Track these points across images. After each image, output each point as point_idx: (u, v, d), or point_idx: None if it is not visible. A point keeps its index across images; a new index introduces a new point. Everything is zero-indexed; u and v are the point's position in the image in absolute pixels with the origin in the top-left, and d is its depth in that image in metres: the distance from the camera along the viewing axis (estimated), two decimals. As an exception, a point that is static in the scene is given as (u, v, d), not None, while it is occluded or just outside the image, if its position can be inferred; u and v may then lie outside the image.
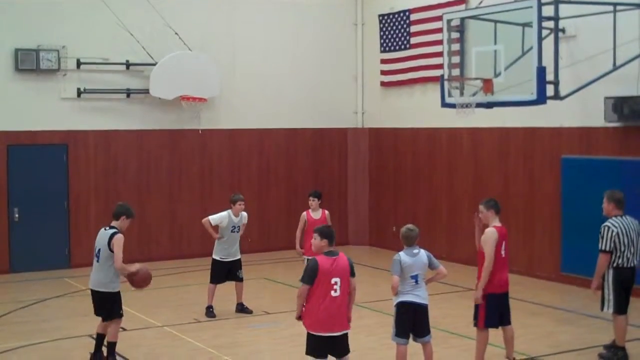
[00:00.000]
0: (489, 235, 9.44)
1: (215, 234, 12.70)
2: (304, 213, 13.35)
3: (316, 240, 8.28)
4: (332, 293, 8.07)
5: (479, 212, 9.72)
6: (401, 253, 9.00)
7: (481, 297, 9.49)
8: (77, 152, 17.07)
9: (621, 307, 10.06)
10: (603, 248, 10.00)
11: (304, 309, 8.25)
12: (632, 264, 10.06)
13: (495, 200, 9.75)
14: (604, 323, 11.45)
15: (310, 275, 8.10)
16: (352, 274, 8.28)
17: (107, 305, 10.06)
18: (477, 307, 9.60)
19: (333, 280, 8.08)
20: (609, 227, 10.00)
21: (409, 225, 9.14)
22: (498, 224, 9.56)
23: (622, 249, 9.96)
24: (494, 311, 9.54)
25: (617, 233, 9.93)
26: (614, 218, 10.09)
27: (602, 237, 10.01)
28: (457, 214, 17.40)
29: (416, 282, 8.94)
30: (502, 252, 9.50)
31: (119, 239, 9.84)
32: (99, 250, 9.98)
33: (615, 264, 9.99)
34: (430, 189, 18.17)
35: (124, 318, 10.30)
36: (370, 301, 13.28)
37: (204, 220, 12.84)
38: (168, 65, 17.22)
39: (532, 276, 15.44)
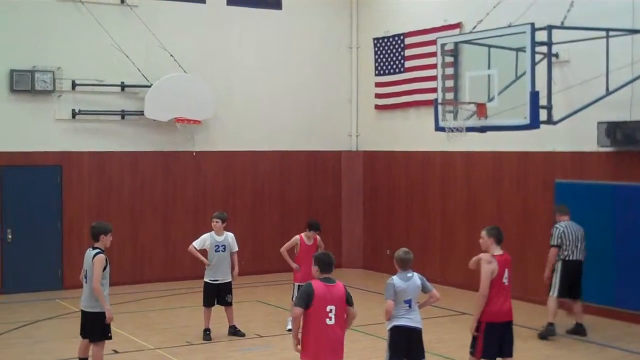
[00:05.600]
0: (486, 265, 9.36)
1: (206, 260, 12.70)
2: (297, 237, 13.24)
3: (314, 268, 8.16)
4: (327, 321, 7.91)
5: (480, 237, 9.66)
6: (395, 277, 8.94)
7: (475, 327, 9.37)
8: (71, 173, 17.05)
9: (562, 293, 12.57)
10: (552, 243, 12.64)
11: (299, 338, 8.06)
12: (576, 257, 12.59)
13: (498, 229, 9.64)
14: (598, 348, 11.44)
15: (305, 299, 7.92)
16: (350, 303, 8.14)
17: (95, 326, 9.94)
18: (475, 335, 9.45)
19: (328, 308, 7.92)
20: (557, 228, 12.67)
21: (405, 249, 9.06)
22: (499, 252, 9.45)
23: (568, 244, 12.53)
24: (492, 341, 9.34)
25: (564, 231, 12.58)
26: (561, 222, 12.73)
27: (552, 235, 12.67)
28: (451, 237, 17.40)
29: (409, 306, 8.88)
30: (505, 281, 9.37)
31: (99, 259, 9.77)
32: (86, 271, 9.95)
33: (562, 257, 12.57)
34: (424, 211, 18.17)
35: (116, 340, 10.22)
36: (364, 325, 13.23)
37: (189, 248, 12.86)
38: (163, 87, 17.26)
39: (526, 301, 15.37)
